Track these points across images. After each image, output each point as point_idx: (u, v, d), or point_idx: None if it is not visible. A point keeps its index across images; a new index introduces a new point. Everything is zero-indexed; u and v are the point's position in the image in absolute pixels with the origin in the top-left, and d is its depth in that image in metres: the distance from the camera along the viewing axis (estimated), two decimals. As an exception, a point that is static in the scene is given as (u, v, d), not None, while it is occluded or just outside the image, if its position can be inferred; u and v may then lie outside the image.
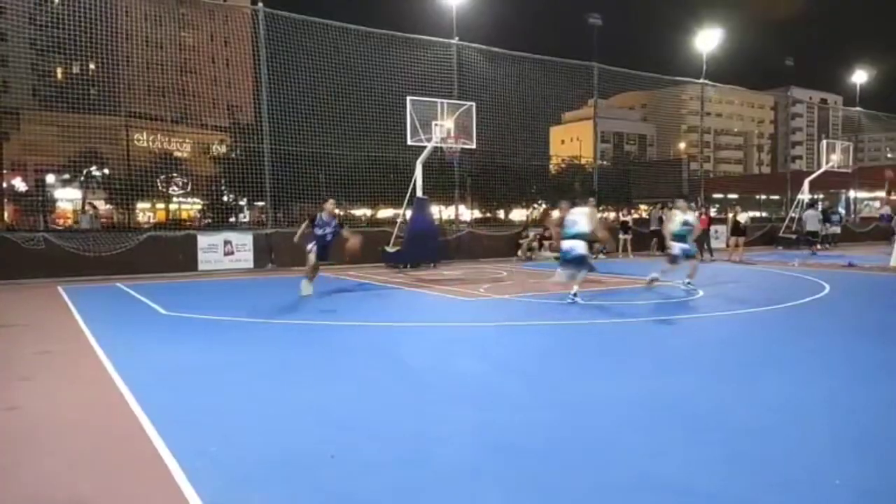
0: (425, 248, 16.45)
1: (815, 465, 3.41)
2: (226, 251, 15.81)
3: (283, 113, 17.13)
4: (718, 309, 9.36)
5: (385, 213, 27.04)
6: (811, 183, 26.34)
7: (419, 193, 16.57)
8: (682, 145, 65.00)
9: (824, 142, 27.79)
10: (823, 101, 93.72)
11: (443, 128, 16.31)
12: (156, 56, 23.55)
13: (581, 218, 9.49)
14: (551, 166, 37.30)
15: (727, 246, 22.56)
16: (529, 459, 3.52)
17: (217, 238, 15.90)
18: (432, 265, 16.45)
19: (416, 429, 4.06)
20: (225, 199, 25.95)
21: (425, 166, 16.82)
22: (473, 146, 17.31)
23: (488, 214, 31.84)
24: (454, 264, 17.34)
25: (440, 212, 23.86)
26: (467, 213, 25.68)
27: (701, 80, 28.43)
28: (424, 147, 16.20)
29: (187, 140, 27.76)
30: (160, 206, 36.21)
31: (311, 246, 10.41)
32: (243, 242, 16.09)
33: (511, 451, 3.65)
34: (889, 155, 76.09)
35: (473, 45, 20.25)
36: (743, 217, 23.52)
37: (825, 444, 3.75)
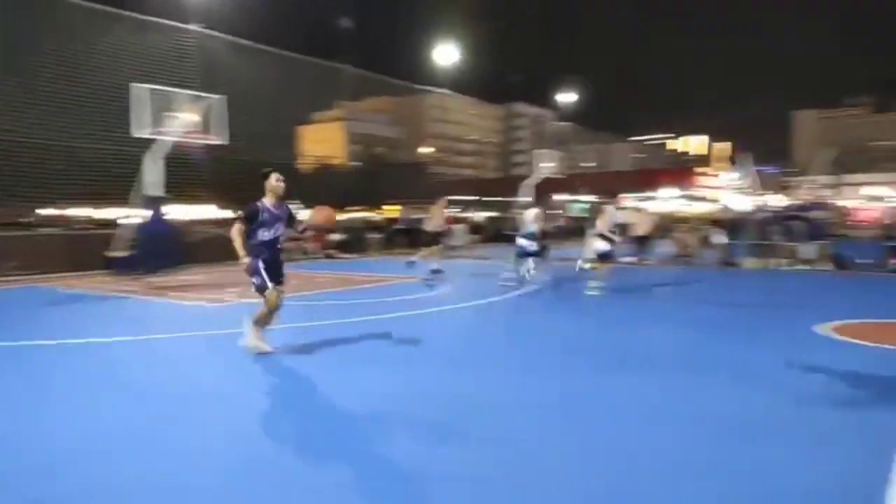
0: (162, 252, 14.89)
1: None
2: None
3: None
4: (456, 301, 10.09)
5: (111, 213, 23.92)
6: (536, 187, 30.08)
7: (153, 191, 14.91)
8: (427, 149, 69.25)
9: (534, 151, 32.12)
10: (541, 115, 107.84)
11: (182, 120, 14.95)
12: None
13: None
14: (302, 165, 36.78)
15: (464, 244, 24.65)
16: (283, 472, 3.37)
17: None
18: (170, 270, 14.97)
19: (158, 451, 3.62)
20: None
21: (167, 162, 15.21)
22: (220, 142, 16.18)
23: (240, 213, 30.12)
24: (199, 268, 16.02)
25: (186, 212, 21.91)
26: (215, 213, 24.03)
27: (442, 90, 30.48)
28: (159, 140, 14.65)
29: None
30: None
31: (258, 266, 5.94)
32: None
33: (262, 465, 3.45)
34: (593, 164, 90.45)
35: (219, 34, 19.00)
36: (480, 216, 25.98)
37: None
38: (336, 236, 20.93)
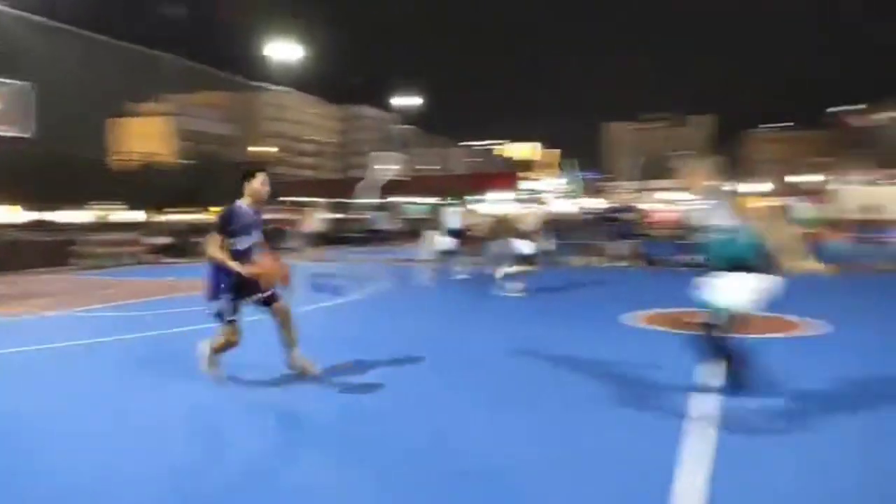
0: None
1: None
2: None
3: None
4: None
5: None
6: (382, 188, 30.33)
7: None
8: (269, 148, 66.66)
9: (371, 154, 32.49)
10: (385, 118, 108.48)
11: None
12: None
13: None
14: (118, 163, 33.55)
15: (304, 246, 24.11)
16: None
17: None
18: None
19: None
20: None
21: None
22: (27, 134, 14.26)
23: (43, 216, 26.59)
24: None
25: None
26: (11, 216, 21.17)
27: (280, 88, 29.60)
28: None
29: None
30: None
31: (221, 286, 4.86)
32: None
33: None
34: (436, 167, 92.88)
35: (21, 13, 16.59)
36: (316, 218, 25.55)
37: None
38: (162, 240, 19.46)
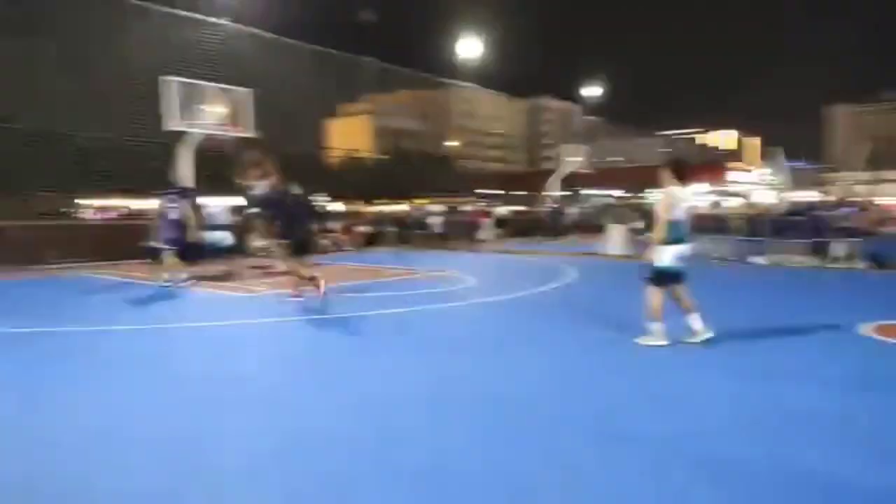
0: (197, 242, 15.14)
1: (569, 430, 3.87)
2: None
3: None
4: (480, 296, 10.11)
5: (146, 204, 24.45)
6: (567, 180, 30.06)
7: (186, 183, 15.23)
8: (454, 143, 69.20)
9: (562, 146, 31.96)
10: (569, 109, 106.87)
11: (213, 114, 15.24)
12: None
13: None
14: (330, 159, 37.04)
15: (493, 237, 24.70)
16: (311, 456, 3.45)
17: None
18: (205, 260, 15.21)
19: (188, 437, 3.73)
20: None
21: (197, 154, 15.52)
22: (250, 134, 16.42)
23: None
24: (232, 258, 16.23)
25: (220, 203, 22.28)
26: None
27: (468, 84, 30.45)
28: (190, 133, 14.97)
29: None
30: None
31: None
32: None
33: (290, 453, 3.54)
34: (618, 158, 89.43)
35: (247, 28, 19.21)
36: (504, 210, 26.05)
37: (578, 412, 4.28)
38: (363, 229, 21.11)
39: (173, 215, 11.02)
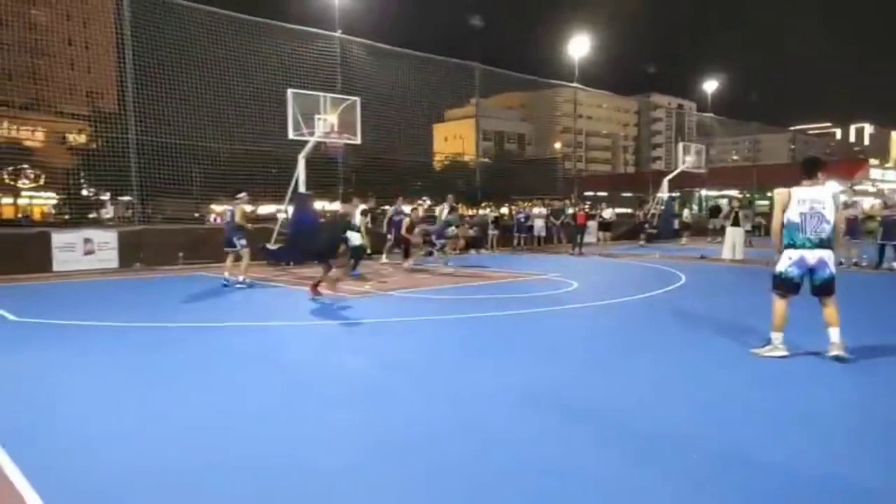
0: (310, 245, 16.02)
1: (679, 440, 3.74)
2: (86, 250, 14.51)
3: (152, 102, 16.04)
4: (590, 300, 9.93)
5: (266, 209, 26.13)
6: (670, 182, 28.72)
7: (302, 188, 16.14)
8: (558, 145, 68.22)
9: (680, 144, 30.43)
10: (680, 106, 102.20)
11: (326, 122, 16.04)
12: None
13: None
14: (435, 163, 37.69)
15: (597, 241, 24.12)
16: (413, 454, 3.57)
17: (75, 236, 14.55)
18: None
19: (297, 432, 3.98)
20: (84, 192, 23.83)
21: (308, 161, 16.43)
22: (358, 141, 17.13)
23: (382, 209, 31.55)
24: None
25: (323, 207, 23.40)
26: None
27: (574, 84, 29.92)
28: (307, 141, 15.84)
29: (39, 128, 25.17)
30: (7, 200, 32.78)
31: None
32: (106, 240, 14.85)
33: (394, 447, 3.68)
34: (735, 157, 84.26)
35: (356, 39, 20.03)
36: (608, 213, 25.34)
37: (687, 419, 4.13)
38: (468, 232, 21.30)
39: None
